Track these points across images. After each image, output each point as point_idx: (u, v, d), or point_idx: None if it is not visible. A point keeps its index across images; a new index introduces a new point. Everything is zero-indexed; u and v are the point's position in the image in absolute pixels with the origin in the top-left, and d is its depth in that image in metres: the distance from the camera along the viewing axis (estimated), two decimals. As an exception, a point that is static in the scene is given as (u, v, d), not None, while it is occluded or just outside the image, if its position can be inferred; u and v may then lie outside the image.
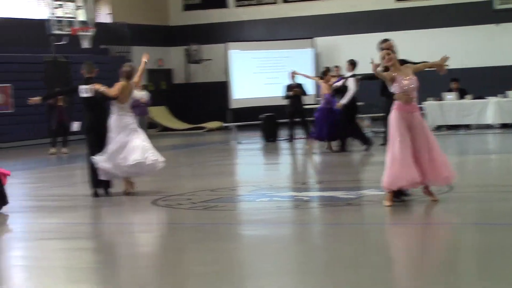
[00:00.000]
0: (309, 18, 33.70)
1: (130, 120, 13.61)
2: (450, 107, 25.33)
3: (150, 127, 28.69)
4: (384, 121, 19.18)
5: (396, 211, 10.81)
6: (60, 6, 28.36)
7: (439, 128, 24.93)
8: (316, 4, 33.69)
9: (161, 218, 11.75)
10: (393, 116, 10.98)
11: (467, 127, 25.30)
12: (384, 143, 14.92)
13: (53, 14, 28.01)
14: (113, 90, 13.38)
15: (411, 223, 10.47)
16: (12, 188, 16.19)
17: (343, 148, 19.55)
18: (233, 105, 32.69)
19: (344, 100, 19.43)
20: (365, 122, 23.69)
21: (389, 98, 10.83)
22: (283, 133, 24.27)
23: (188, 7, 35.84)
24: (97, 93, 13.47)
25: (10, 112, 27.42)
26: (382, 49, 11.53)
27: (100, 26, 30.66)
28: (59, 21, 28.25)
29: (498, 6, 31.27)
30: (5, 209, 12.48)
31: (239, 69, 32.83)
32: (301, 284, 7.41)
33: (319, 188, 14.12)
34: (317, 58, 32.93)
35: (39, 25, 28.55)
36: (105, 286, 7.74)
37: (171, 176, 16.78)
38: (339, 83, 19.32)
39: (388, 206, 10.93)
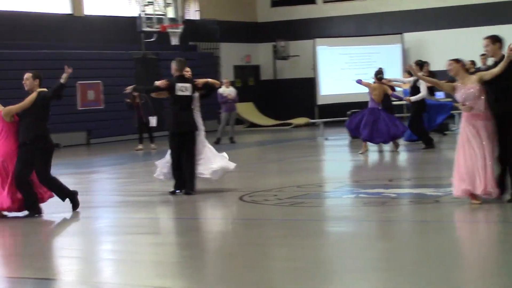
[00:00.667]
0: (397, 13, 33.36)
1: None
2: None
3: (238, 123, 28.82)
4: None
5: (485, 209, 10.62)
6: (150, 3, 28.73)
7: None
8: (404, -1, 33.36)
9: (247, 213, 11.80)
10: (461, 124, 10.97)
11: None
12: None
13: (143, 11, 28.39)
14: (214, 81, 13.62)
15: (502, 221, 10.27)
16: (101, 183, 16.50)
17: (428, 143, 19.34)
18: (320, 101, 32.62)
19: (414, 98, 19.33)
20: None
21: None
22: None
23: (275, 4, 35.88)
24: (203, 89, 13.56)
25: (101, 108, 27.91)
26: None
27: (188, 23, 30.94)
28: (149, 19, 28.62)
29: None
30: (96, 203, 12.68)
31: (326, 65, 32.73)
32: (387, 282, 7.34)
33: (407, 185, 13.99)
34: (405, 53, 32.58)
35: (129, 22, 28.97)
36: (192, 280, 7.81)
37: (257, 172, 16.85)
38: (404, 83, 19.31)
39: (476, 204, 10.75)
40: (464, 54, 11.29)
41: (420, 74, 10.94)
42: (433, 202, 11.46)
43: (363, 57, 32.68)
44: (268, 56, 35.51)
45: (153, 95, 14.04)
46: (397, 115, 20.91)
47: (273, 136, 28.10)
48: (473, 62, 21.96)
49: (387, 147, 19.71)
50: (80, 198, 12.16)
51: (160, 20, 28.77)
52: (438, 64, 21.97)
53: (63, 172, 18.85)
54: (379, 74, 19.34)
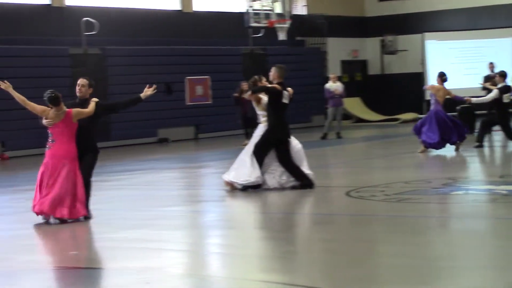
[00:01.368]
0: (510, 6, 32.58)
1: None
2: None
3: (345, 118, 28.68)
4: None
5: None
6: (258, -1, 28.84)
7: None
8: (517, -9, 32.56)
9: (354, 209, 11.71)
10: None
11: None
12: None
13: (250, 7, 28.51)
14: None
15: None
16: (209, 178, 16.67)
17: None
18: (429, 96, 32.07)
19: (475, 99, 19.01)
20: None
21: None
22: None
23: (383, -2, 35.57)
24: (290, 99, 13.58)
25: (209, 103, 28.18)
26: None
27: (296, 18, 30.93)
28: (257, 14, 28.72)
29: None
30: (203, 197, 12.79)
31: (435, 59, 32.23)
32: (500, 280, 7.17)
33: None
34: (518, 47, 31.81)
35: (237, 18, 29.15)
36: (297, 275, 7.79)
37: (364, 167, 16.73)
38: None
39: None
40: None
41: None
42: (546, 199, 11.15)
43: (474, 51, 32.05)
44: (376, 51, 35.21)
45: (251, 97, 13.86)
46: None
47: (380, 132, 27.86)
48: None
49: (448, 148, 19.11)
50: (188, 192, 12.28)
51: (267, 16, 28.82)
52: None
53: (171, 167, 19.16)
54: (443, 75, 19.05)
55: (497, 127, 19.63)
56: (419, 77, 32.54)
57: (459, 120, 19.65)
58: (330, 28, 32.70)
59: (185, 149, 24.31)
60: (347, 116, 31.53)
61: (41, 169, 11.19)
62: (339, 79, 27.74)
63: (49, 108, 11.09)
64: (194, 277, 7.87)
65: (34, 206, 11.13)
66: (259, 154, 13.32)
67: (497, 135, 21.42)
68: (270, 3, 28.85)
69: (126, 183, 15.93)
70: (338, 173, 14.57)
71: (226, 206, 12.80)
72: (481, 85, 22.32)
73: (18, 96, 11.13)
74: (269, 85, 13.57)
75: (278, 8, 29.61)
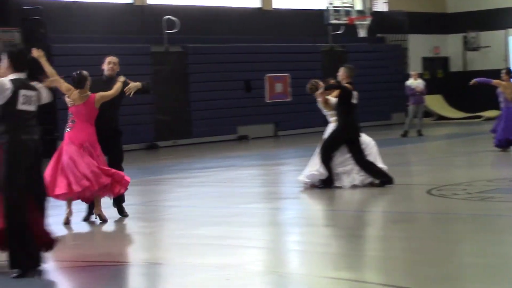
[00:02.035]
0: None
1: None
2: None
3: (426, 115, 28.34)
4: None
5: None
6: (338, -4, 28.72)
7: None
8: None
9: (435, 207, 11.55)
10: None
11: None
12: None
13: (330, 4, 28.41)
14: None
15: None
16: (288, 175, 16.65)
17: None
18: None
19: None
20: None
21: None
22: None
23: (466, -7, 35.05)
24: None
25: (288, 101, 28.17)
26: None
27: (376, 14, 30.71)
28: (337, 11, 28.60)
29: None
30: (282, 194, 12.79)
31: (519, 56, 31.66)
32: None
33: None
34: None
35: (317, 15, 29.07)
36: (377, 273, 7.72)
37: (446, 165, 16.52)
38: None
39: None
40: None
41: None
42: None
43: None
44: (458, 48, 34.72)
45: (321, 96, 13.76)
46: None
47: (462, 129, 27.47)
48: None
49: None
50: (267, 189, 12.30)
51: (347, 13, 28.68)
52: None
53: (251, 164, 19.21)
54: (510, 72, 18.61)
55: None
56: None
57: None
58: (411, 25, 32.35)
59: (264, 146, 24.35)
60: (428, 113, 31.15)
61: (63, 155, 10.71)
62: (420, 76, 27.42)
63: (74, 88, 10.89)
64: (273, 274, 7.87)
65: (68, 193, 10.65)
66: (327, 152, 13.31)
67: None
68: (350, 0, 28.70)
69: (206, 180, 16.02)
70: (419, 171, 14.41)
71: (304, 204, 12.78)
72: None
73: (48, 68, 10.41)
74: (343, 84, 13.49)
75: (358, 5, 29.44)
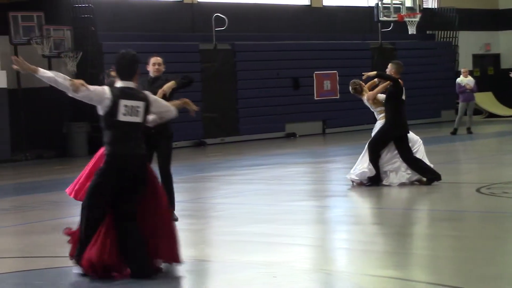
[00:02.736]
0: None
1: None
2: None
3: (476, 113, 28.08)
4: None
5: None
6: (388, -8, 28.56)
7: None
8: None
9: (485, 206, 11.44)
10: None
11: None
12: None
13: (380, 1, 28.28)
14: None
15: None
16: (336, 173, 16.61)
17: None
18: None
19: None
20: None
21: None
22: None
23: (519, -11, 34.64)
24: None
25: (336, 98, 28.08)
26: None
27: (426, 11, 30.47)
28: (386, 8, 28.46)
29: None
30: (330, 192, 12.73)
31: None
32: None
33: None
34: None
35: (366, 12, 28.96)
36: (425, 272, 7.66)
37: (496, 163, 16.35)
38: None
39: None
40: None
41: None
42: None
43: None
44: (509, 44, 34.31)
45: (370, 95, 13.64)
46: None
47: (513, 127, 27.16)
48: None
49: None
50: (314, 187, 12.28)
51: (397, 9, 28.52)
52: None
53: (298, 161, 19.20)
54: None
55: None
56: (555, 71, 31.53)
57: None
58: (462, 21, 32.05)
59: (312, 144, 24.32)
60: (478, 111, 30.86)
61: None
62: (471, 73, 27.17)
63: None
64: (320, 272, 7.86)
65: None
66: (375, 150, 13.25)
67: None
68: (402, -4, 28.53)
69: (253, 178, 16.05)
70: (468, 169, 14.28)
71: (351, 202, 12.74)
72: None
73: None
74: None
75: (408, 2, 29.28)
